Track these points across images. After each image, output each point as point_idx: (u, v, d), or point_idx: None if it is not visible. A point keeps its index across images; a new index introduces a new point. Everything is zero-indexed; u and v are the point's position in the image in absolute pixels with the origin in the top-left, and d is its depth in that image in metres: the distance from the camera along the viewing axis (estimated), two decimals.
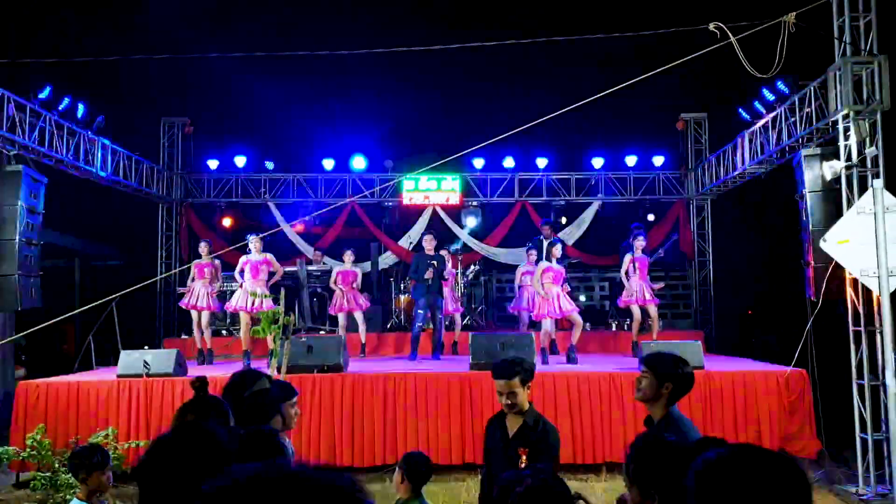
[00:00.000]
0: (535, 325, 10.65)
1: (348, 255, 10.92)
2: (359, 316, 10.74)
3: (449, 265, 10.68)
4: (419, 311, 10.13)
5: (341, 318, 10.76)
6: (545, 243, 11.56)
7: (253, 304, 9.27)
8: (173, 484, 1.63)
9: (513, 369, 3.62)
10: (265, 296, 9.23)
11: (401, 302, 12.54)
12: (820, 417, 7.88)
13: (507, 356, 7.93)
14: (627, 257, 10.00)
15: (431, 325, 10.27)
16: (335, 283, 10.80)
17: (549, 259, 9.41)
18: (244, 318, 9.44)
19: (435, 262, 10.03)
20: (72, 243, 14.93)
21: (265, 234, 9.96)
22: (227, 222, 14.17)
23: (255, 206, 14.14)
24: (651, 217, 13.80)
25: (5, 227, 8.23)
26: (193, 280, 9.99)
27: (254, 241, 9.56)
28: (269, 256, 9.67)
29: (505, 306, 14.61)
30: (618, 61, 10.95)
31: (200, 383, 3.71)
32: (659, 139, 14.29)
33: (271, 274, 9.66)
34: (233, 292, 11.82)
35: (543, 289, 9.15)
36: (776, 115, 9.61)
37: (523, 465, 3.44)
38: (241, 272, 9.67)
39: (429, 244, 10.29)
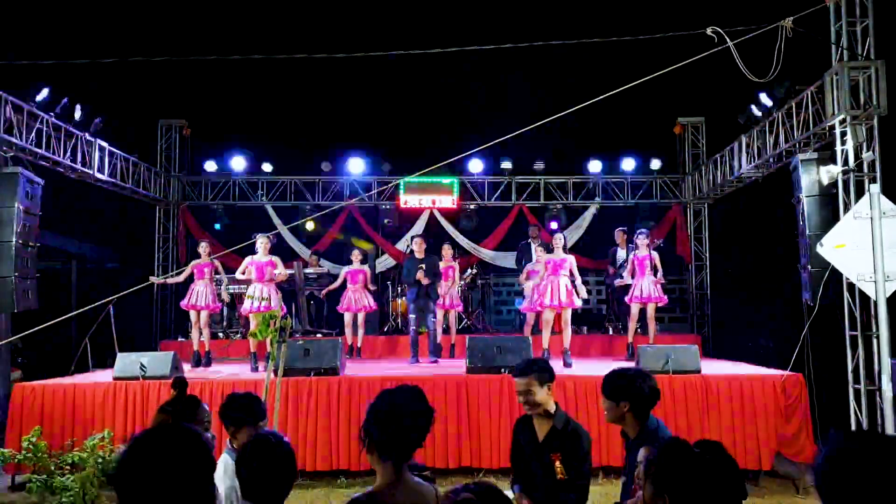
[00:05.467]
0: (535, 328, 10.66)
1: (356, 254, 10.90)
2: (360, 317, 10.71)
3: (445, 260, 10.63)
4: (411, 314, 10.17)
5: (348, 316, 10.72)
6: (533, 246, 11.58)
7: (261, 305, 9.16)
8: (153, 486, 1.62)
9: (529, 367, 3.67)
10: (265, 299, 9.17)
11: (397, 305, 12.55)
12: (816, 421, 7.89)
13: (503, 359, 8.02)
14: (629, 258, 10.05)
15: (425, 329, 10.26)
16: (347, 282, 10.75)
17: (551, 251, 9.41)
18: (253, 321, 9.28)
19: (423, 266, 9.98)
20: (69, 245, 14.90)
21: (271, 233, 9.87)
22: (224, 225, 14.13)
23: (253, 209, 14.13)
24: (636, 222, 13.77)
25: (2, 229, 8.20)
26: (193, 281, 9.91)
27: (262, 242, 9.47)
28: (275, 259, 9.60)
29: (503, 309, 14.65)
30: (615, 65, 10.97)
31: (179, 384, 3.72)
32: (656, 143, 14.32)
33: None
34: (236, 294, 11.87)
35: (547, 278, 9.15)
36: (773, 119, 9.63)
37: (559, 472, 3.43)
38: (244, 273, 9.54)
39: (418, 247, 10.24)
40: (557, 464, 3.45)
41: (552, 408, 3.65)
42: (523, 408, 3.70)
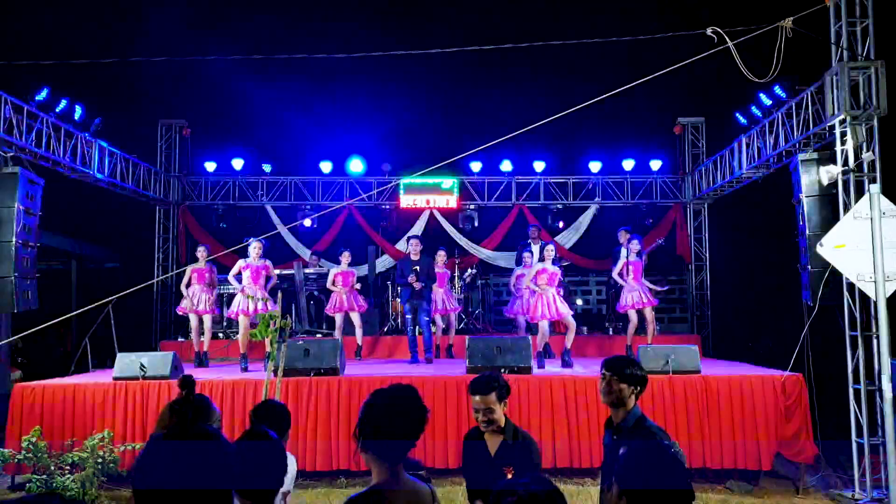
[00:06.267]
0: (530, 328, 10.65)
1: (345, 256, 10.93)
2: (356, 318, 10.74)
3: (438, 266, 10.72)
4: (407, 315, 10.26)
5: (338, 318, 10.76)
6: (533, 246, 11.60)
7: (256, 308, 9.23)
8: (172, 486, 1.60)
9: (490, 385, 3.58)
10: (264, 300, 9.24)
11: (397, 305, 12.55)
12: (816, 422, 7.89)
13: (503, 359, 8.02)
14: (621, 259, 10.05)
15: (421, 330, 10.30)
16: (333, 284, 10.77)
17: (542, 261, 9.43)
18: (243, 322, 9.41)
19: (417, 267, 10.07)
20: (68, 245, 14.89)
21: (264, 236, 9.90)
22: (224, 225, 14.12)
23: (253, 209, 14.13)
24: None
25: (2, 229, 8.20)
26: (191, 284, 9.93)
27: (255, 246, 9.52)
28: (268, 262, 9.68)
29: (502, 310, 14.66)
30: (616, 65, 10.99)
31: (187, 383, 3.70)
32: (656, 143, 14.32)
33: (268, 279, 9.67)
34: (232, 296, 11.87)
35: (539, 289, 9.16)
36: (773, 119, 9.63)
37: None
38: (237, 276, 9.61)
39: (414, 248, 10.33)
40: (509, 476, 3.36)
41: (503, 422, 3.60)
42: (479, 423, 3.61)
